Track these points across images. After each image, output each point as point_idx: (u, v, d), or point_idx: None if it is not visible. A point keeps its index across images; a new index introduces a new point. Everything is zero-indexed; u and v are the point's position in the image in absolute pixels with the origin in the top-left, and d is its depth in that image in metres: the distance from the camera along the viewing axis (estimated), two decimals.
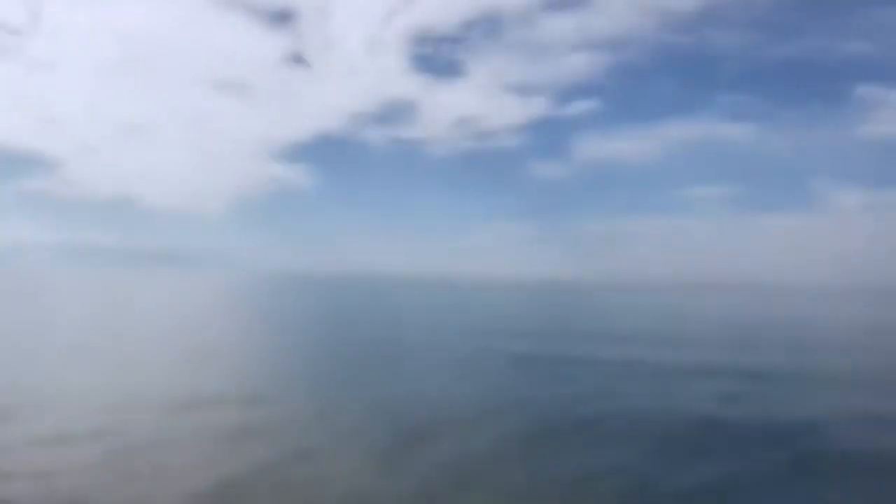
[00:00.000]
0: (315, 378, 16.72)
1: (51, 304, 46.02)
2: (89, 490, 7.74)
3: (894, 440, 11.48)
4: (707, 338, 31.58)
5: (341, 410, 12.62)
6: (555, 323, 40.44)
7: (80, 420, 11.01)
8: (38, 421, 10.86)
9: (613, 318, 49.58)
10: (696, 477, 9.06)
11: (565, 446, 10.69)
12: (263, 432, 10.68)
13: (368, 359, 20.41)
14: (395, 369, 18.19)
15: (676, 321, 46.95)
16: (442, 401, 13.74)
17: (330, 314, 45.37)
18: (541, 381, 16.92)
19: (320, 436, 10.62)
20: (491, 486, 8.48)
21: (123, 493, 7.72)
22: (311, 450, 9.76)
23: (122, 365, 17.93)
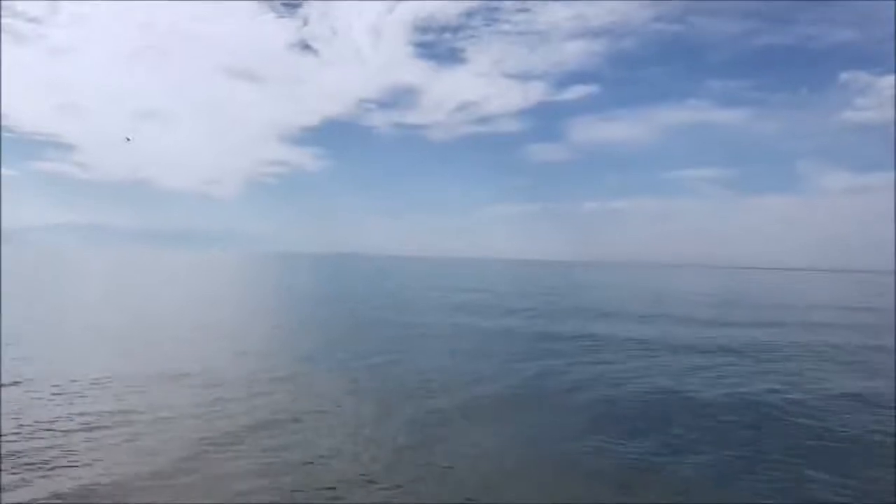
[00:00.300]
0: (314, 350, 17.48)
1: (69, 283, 46.53)
2: (92, 447, 8.54)
3: (846, 413, 11.90)
4: (693, 314, 32.40)
5: (333, 379, 13.46)
6: (548, 300, 41.24)
7: (95, 395, 11.81)
8: (55, 397, 11.63)
9: (605, 295, 50.50)
10: (650, 441, 9.73)
11: (530, 412, 11.52)
12: (259, 399, 11.46)
13: (365, 333, 21.29)
14: (387, 342, 19.04)
15: (665, 298, 47.85)
16: (429, 371, 14.50)
17: (333, 292, 46.29)
18: (523, 355, 17.60)
19: (312, 401, 11.46)
20: (453, 442, 9.40)
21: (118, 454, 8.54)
22: (302, 413, 10.57)
23: (133, 340, 18.75)
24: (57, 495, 6.90)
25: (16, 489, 7.03)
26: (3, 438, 8.61)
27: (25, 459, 7.91)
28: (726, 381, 14.69)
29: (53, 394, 11.21)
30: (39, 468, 7.66)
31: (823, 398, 13.04)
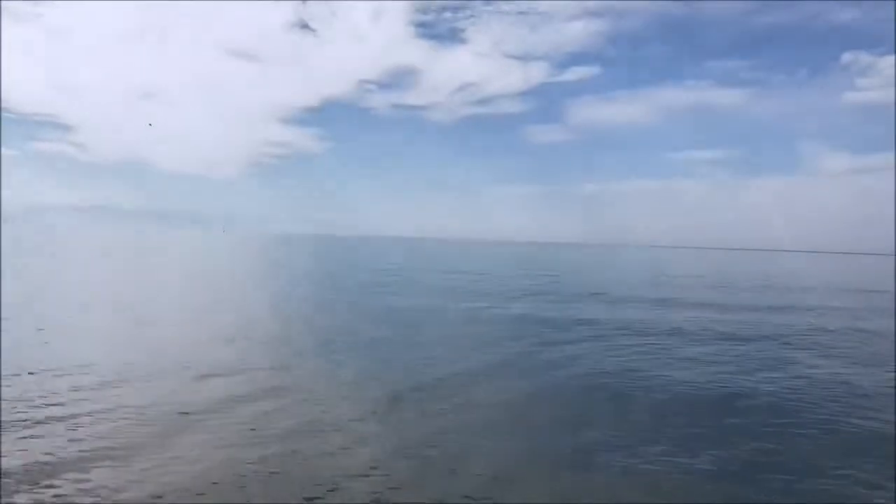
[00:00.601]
0: (307, 337, 17.85)
1: (70, 266, 46.49)
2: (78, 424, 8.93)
3: (843, 402, 11.37)
4: (690, 298, 32.80)
5: (321, 353, 14.09)
6: (545, 283, 41.58)
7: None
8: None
9: (602, 278, 50.70)
10: (621, 428, 9.55)
11: (493, 384, 12.04)
12: (246, 373, 11.97)
13: (356, 314, 21.72)
14: (378, 325, 19.49)
15: (663, 280, 48.10)
16: (421, 357, 14.66)
17: (332, 275, 46.72)
18: (504, 338, 17.59)
19: (299, 373, 12.06)
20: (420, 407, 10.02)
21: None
22: (284, 387, 11.09)
23: (126, 322, 19.14)
24: (41, 467, 7.22)
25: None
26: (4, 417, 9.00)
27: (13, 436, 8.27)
28: (716, 367, 14.40)
29: (45, 371, 11.55)
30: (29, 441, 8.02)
31: (820, 386, 12.66)
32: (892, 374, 13.93)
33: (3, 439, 7.83)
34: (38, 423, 8.54)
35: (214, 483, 6.89)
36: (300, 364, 13.20)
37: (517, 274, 51.42)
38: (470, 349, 15.39)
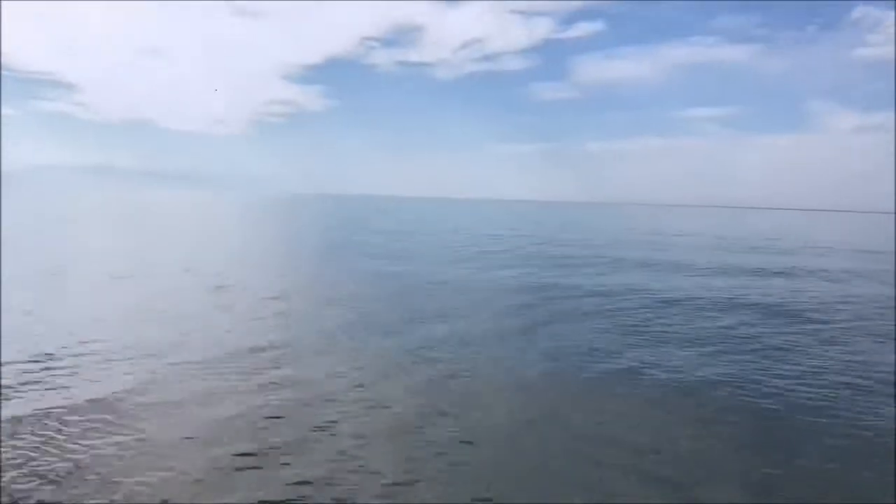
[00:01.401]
0: (311, 315, 17.45)
1: (78, 227, 46.30)
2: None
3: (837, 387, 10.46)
4: (692, 262, 32.33)
5: (314, 319, 13.88)
6: (540, 247, 41.22)
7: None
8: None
9: (598, 239, 50.24)
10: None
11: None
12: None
13: (348, 281, 21.41)
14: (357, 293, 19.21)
15: (662, 241, 47.51)
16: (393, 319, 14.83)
17: (337, 239, 46.46)
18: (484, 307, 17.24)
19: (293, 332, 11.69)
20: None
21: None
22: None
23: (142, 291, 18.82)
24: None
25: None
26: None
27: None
28: (697, 347, 13.17)
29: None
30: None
31: (814, 366, 11.65)
32: (892, 354, 12.89)
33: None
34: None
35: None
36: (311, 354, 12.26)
37: (500, 233, 51.29)
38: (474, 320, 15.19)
